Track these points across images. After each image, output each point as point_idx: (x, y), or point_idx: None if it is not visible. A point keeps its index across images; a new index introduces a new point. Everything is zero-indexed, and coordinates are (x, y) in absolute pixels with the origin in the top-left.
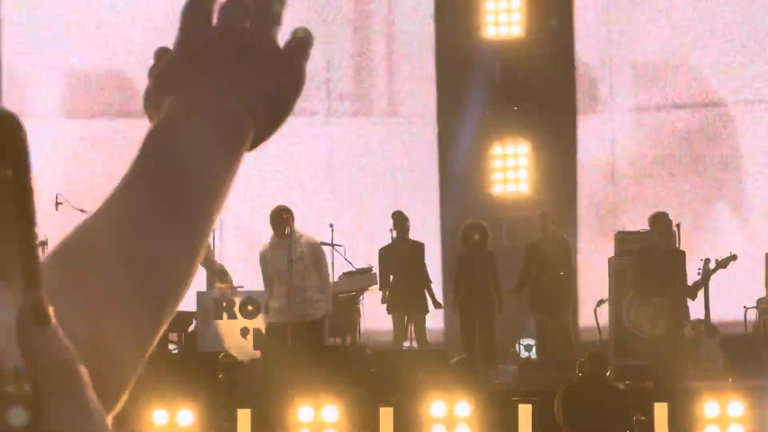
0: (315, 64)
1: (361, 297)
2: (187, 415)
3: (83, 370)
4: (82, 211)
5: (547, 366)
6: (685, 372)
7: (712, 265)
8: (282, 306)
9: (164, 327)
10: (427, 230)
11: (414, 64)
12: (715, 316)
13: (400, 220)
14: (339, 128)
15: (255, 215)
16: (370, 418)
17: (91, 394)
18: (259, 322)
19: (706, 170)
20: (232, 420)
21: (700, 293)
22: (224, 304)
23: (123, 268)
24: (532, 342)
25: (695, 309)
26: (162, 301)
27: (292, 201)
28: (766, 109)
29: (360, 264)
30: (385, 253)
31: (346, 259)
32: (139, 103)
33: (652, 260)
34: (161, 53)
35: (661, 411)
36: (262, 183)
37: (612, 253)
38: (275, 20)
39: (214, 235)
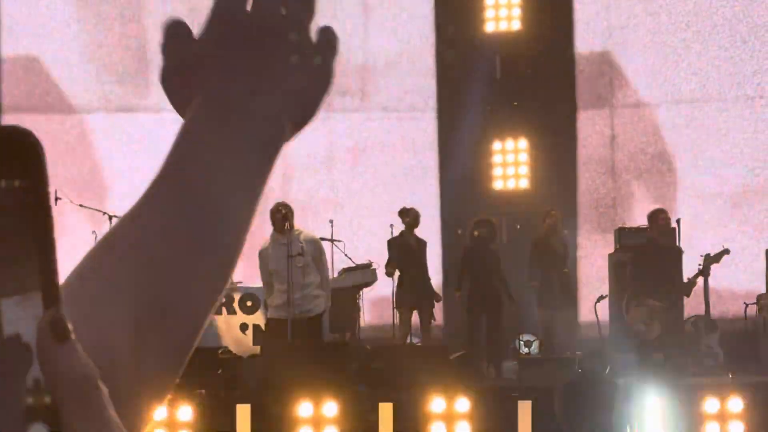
0: None
1: (361, 293)
2: (186, 410)
3: (103, 388)
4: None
5: (547, 362)
6: (685, 368)
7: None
8: (281, 302)
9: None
10: (426, 226)
11: (414, 59)
12: (716, 312)
13: (417, 216)
14: (339, 123)
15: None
16: (369, 414)
17: (112, 413)
18: (259, 318)
19: (705, 166)
20: (232, 415)
21: (701, 291)
22: (223, 300)
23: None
24: (532, 338)
25: (695, 305)
26: (187, 346)
27: (292, 197)
28: (767, 105)
29: (360, 260)
30: (395, 242)
31: (345, 255)
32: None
33: (649, 259)
34: (176, 27)
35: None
36: None
37: (612, 249)
38: (310, 7)
39: None
